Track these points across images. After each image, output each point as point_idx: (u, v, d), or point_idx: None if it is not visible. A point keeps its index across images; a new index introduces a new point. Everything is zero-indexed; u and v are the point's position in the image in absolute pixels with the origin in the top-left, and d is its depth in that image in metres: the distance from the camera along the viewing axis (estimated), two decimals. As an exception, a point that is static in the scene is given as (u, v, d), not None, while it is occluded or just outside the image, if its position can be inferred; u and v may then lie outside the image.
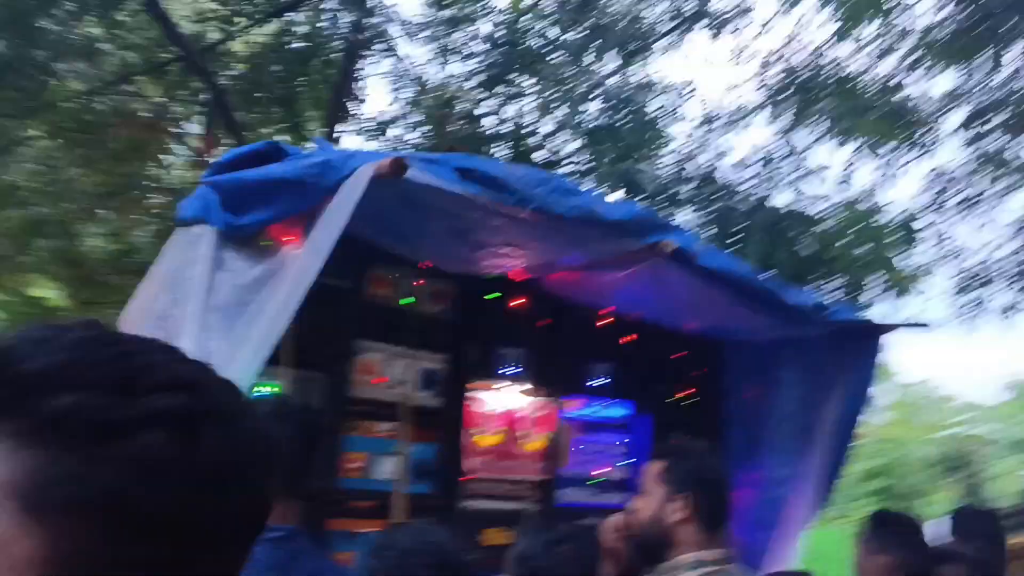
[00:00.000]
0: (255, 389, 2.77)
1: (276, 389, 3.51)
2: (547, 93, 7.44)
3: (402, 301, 3.95)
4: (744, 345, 4.72)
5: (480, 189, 2.85)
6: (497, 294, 4.26)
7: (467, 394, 4.15)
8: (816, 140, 7.47)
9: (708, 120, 7.70)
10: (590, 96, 7.27)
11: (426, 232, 3.47)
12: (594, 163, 6.99)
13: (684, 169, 7.06)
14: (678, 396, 4.93)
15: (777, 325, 4.06)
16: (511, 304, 4.27)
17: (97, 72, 7.27)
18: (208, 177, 2.95)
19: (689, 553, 2.01)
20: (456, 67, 7.74)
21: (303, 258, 2.76)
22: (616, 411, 4.85)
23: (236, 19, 7.25)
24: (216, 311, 3.00)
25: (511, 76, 7.40)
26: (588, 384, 4.67)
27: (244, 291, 2.95)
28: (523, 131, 7.73)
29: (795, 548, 4.47)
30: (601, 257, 3.49)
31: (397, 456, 3.82)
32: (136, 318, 3.20)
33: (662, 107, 7.46)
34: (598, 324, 4.64)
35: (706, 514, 2.03)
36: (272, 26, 7.50)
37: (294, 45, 7.52)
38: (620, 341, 4.71)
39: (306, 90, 8.10)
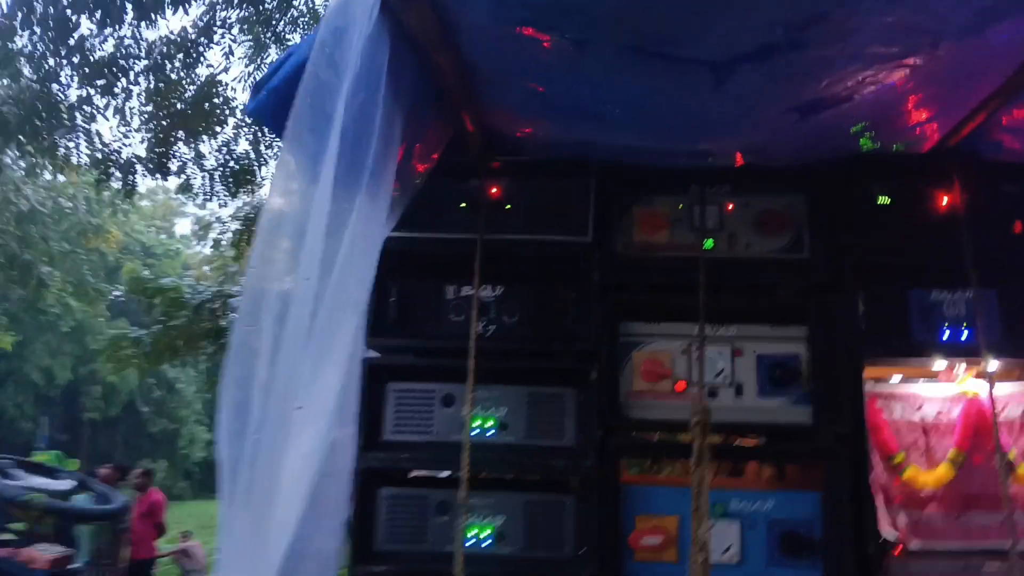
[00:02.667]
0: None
1: (491, 422, 2.18)
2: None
3: (707, 244, 2.26)
4: None
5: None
6: (886, 198, 2.24)
7: (867, 391, 2.19)
8: None
9: None
10: None
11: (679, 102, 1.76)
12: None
13: None
14: None
15: None
16: (934, 205, 2.21)
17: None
18: (249, 109, 1.84)
19: None
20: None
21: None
22: None
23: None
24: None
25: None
26: None
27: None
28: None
29: None
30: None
31: (732, 519, 2.10)
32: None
33: None
34: None
35: None
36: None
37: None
38: None
39: None
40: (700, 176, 2.26)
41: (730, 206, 2.29)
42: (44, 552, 2.99)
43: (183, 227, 32.84)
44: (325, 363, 1.65)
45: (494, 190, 2.29)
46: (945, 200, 2.17)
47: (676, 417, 2.16)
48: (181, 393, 28.38)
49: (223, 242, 9.93)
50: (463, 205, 2.31)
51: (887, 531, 2.09)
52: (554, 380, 2.22)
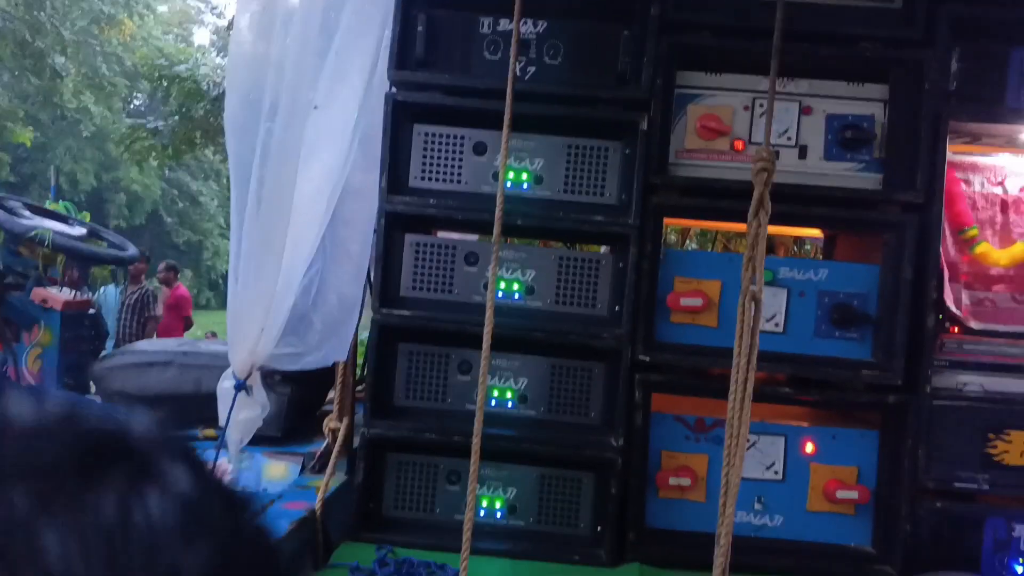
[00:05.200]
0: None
1: (526, 175, 2.00)
2: None
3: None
4: None
5: None
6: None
7: (949, 159, 1.97)
8: None
9: None
10: None
11: None
12: None
13: None
14: None
15: None
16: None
17: None
18: None
19: None
20: None
21: None
22: None
23: None
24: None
25: None
26: None
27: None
28: None
29: None
30: None
31: (780, 287, 1.96)
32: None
33: None
34: None
35: None
36: None
37: None
38: None
39: None
40: None
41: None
42: (58, 293, 2.96)
43: (201, 36, 31.73)
44: (346, 63, 1.42)
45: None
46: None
47: (730, 177, 1.97)
48: (204, 206, 28.56)
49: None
50: (505, -77, 1.99)
51: (949, 308, 1.94)
52: (598, 131, 2.00)
